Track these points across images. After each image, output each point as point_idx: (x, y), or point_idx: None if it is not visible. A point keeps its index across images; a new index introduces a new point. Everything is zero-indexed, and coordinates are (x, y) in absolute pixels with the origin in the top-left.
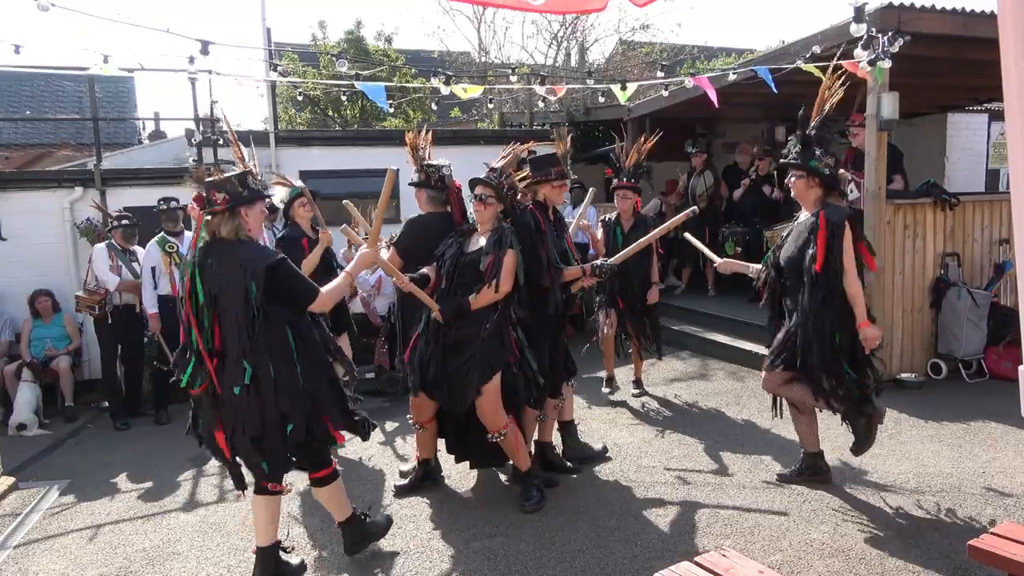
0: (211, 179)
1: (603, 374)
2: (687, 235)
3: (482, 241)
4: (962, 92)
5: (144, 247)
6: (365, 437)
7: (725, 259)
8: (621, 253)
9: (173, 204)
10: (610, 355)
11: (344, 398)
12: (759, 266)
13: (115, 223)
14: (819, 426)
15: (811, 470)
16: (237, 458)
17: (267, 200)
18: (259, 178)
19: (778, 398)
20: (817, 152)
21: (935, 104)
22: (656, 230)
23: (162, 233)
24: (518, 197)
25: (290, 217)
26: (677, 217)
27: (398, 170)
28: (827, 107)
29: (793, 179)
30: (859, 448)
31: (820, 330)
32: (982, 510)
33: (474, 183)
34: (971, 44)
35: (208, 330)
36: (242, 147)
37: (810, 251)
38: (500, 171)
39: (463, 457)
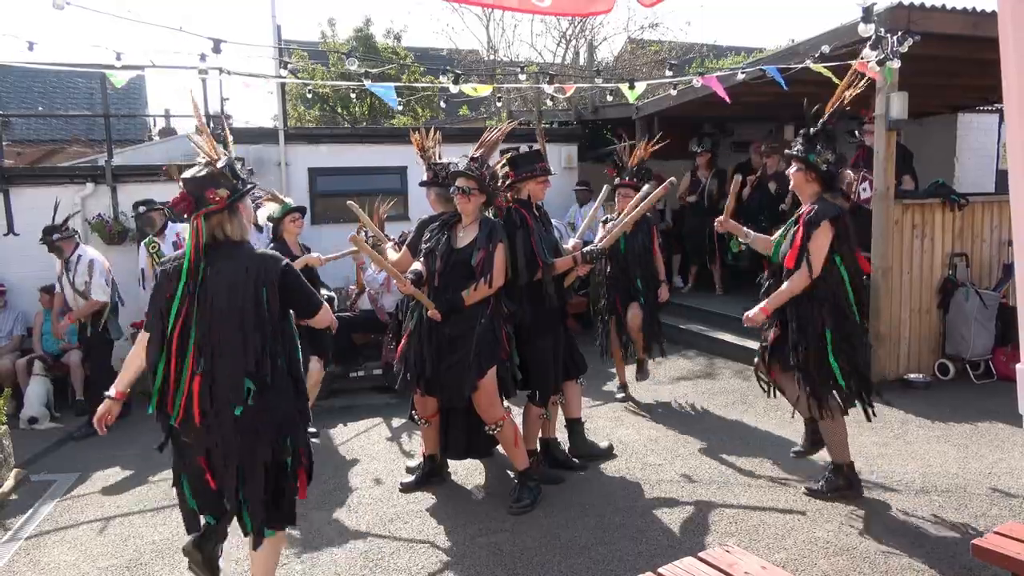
0: (201, 175)
1: (612, 370)
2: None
3: (470, 235)
4: (972, 92)
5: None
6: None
7: (720, 218)
8: (611, 235)
9: (142, 209)
10: (620, 362)
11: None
12: (758, 235)
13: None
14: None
15: (847, 482)
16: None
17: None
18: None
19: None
20: (819, 147)
21: (945, 104)
22: (639, 206)
23: (150, 235)
24: (500, 186)
25: (279, 234)
26: (657, 190)
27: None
28: (841, 104)
29: (793, 170)
30: (812, 449)
31: (807, 327)
32: (987, 510)
33: (455, 175)
34: (981, 43)
35: (179, 338)
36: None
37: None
38: (481, 161)
39: (446, 452)
